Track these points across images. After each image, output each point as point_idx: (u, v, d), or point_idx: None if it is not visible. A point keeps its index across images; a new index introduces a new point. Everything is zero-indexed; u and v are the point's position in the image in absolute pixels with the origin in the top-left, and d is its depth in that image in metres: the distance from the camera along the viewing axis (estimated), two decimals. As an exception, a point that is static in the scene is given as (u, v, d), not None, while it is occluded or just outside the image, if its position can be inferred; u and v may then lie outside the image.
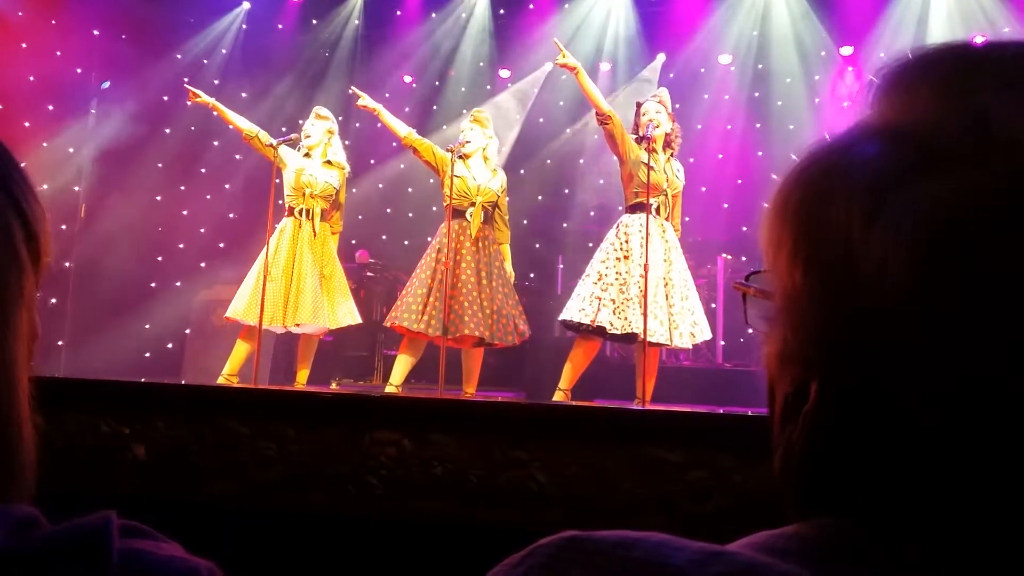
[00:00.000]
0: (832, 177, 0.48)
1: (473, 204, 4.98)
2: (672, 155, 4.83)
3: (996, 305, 0.40)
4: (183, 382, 5.78)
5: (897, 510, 0.45)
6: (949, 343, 0.42)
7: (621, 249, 4.60)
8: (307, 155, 5.37)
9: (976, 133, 0.43)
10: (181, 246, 8.23)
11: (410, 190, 9.11)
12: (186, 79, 8.54)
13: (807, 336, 0.49)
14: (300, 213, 5.22)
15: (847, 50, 8.25)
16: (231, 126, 5.55)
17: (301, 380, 5.29)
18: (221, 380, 5.11)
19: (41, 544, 0.51)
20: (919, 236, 0.42)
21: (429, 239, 5.23)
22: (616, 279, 4.54)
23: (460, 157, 5.02)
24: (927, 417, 0.43)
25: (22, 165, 0.67)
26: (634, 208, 4.70)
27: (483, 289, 4.84)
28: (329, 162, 5.39)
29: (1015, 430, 0.41)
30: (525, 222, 8.92)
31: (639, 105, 4.88)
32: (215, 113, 5.54)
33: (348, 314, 5.32)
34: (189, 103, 5.64)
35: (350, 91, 5.73)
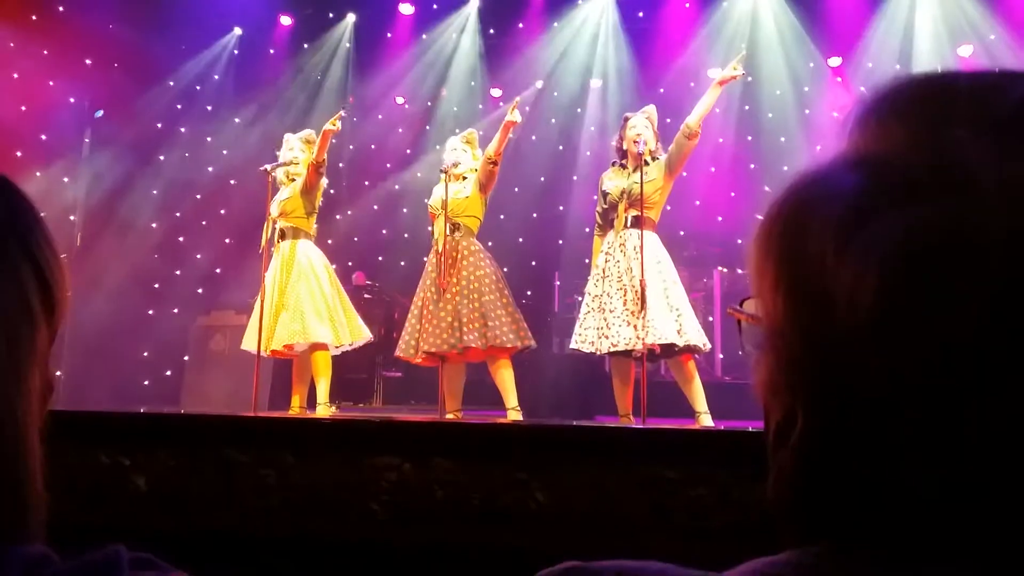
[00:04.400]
0: (809, 209, 0.50)
1: (436, 218, 5.03)
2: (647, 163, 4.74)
3: (959, 332, 0.42)
4: (182, 410, 5.78)
5: (887, 536, 0.46)
6: (917, 370, 0.43)
7: (598, 268, 4.72)
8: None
9: (941, 167, 0.45)
10: (178, 272, 8.23)
11: (405, 210, 9.13)
12: (179, 105, 8.62)
13: (791, 365, 0.51)
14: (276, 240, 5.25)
15: (835, 61, 8.31)
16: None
17: (294, 405, 5.23)
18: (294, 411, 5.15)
19: None
20: (885, 265, 0.44)
21: (425, 259, 5.24)
22: (593, 301, 4.63)
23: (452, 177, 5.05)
24: (906, 443, 0.45)
25: (43, 216, 0.68)
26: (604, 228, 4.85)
27: (446, 302, 4.76)
28: (291, 179, 5.38)
29: (990, 451, 0.42)
30: (520, 239, 8.94)
31: (626, 119, 4.86)
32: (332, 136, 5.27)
33: (330, 333, 5.09)
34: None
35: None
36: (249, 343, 5.24)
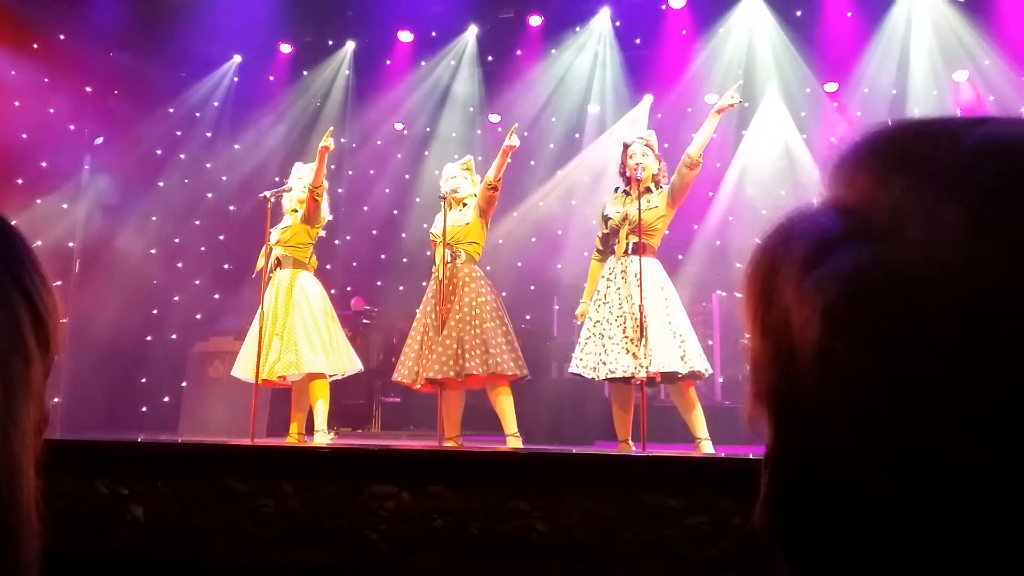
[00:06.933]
0: (780, 248, 0.52)
1: (436, 244, 5.02)
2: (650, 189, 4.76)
3: (896, 369, 0.44)
4: (180, 439, 5.75)
5: (851, 565, 0.48)
6: (852, 405, 0.46)
7: (599, 294, 4.70)
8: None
9: (881, 213, 0.47)
10: (176, 298, 8.24)
11: (404, 235, 9.15)
12: (179, 132, 8.67)
13: (766, 396, 0.53)
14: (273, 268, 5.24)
15: (832, 86, 8.36)
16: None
17: (292, 432, 5.20)
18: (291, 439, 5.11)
19: None
20: (827, 306, 0.46)
21: (424, 283, 5.24)
22: (595, 327, 4.61)
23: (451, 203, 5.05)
24: (852, 475, 0.47)
25: (33, 246, 0.68)
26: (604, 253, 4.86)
27: (450, 330, 4.75)
28: (294, 210, 5.38)
29: (937, 483, 0.44)
30: (519, 264, 8.96)
31: (626, 146, 4.88)
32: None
33: (325, 362, 5.08)
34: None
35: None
36: (239, 370, 5.23)
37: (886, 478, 0.45)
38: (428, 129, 9.48)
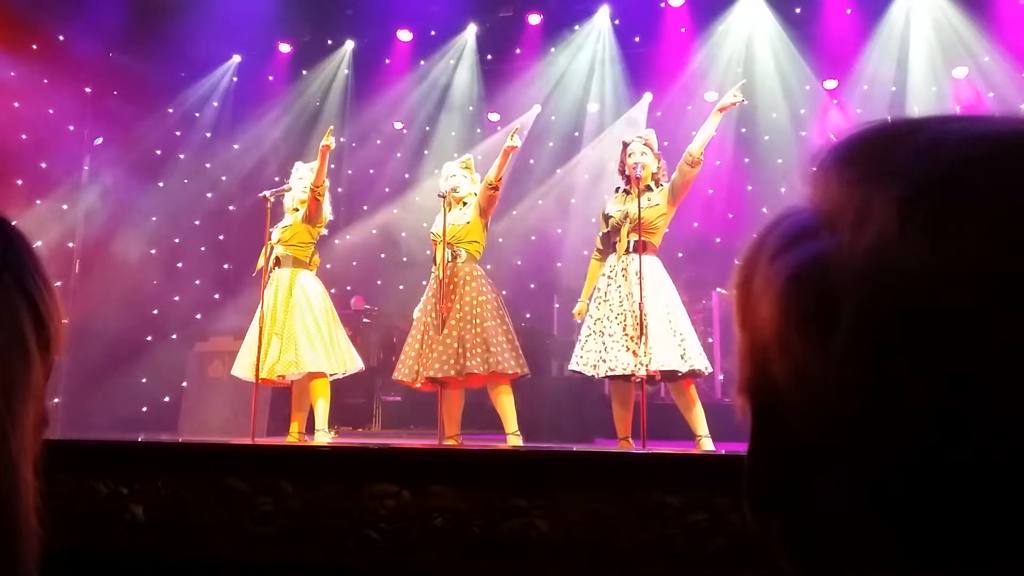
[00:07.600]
0: (761, 244, 0.54)
1: (437, 244, 5.02)
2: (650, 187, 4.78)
3: (838, 352, 0.45)
4: (180, 438, 5.75)
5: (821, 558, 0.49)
6: (805, 387, 0.47)
7: (599, 291, 4.71)
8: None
9: (841, 207, 0.48)
10: (176, 298, 8.23)
11: (404, 234, 9.15)
12: (178, 132, 8.67)
13: (746, 388, 0.55)
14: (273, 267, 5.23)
15: (831, 84, 8.36)
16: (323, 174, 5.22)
17: (293, 431, 5.20)
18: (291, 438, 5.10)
19: None
20: (779, 290, 0.48)
21: (424, 283, 5.23)
22: (595, 325, 4.61)
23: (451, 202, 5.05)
24: (801, 454, 0.49)
25: (35, 246, 0.68)
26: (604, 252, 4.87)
27: (450, 328, 4.74)
28: (295, 209, 5.37)
29: (864, 458, 0.45)
30: (519, 262, 8.96)
31: (625, 145, 4.90)
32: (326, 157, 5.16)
33: (324, 362, 5.07)
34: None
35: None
36: (239, 370, 5.23)
37: (835, 470, 0.46)
38: (427, 128, 9.49)
